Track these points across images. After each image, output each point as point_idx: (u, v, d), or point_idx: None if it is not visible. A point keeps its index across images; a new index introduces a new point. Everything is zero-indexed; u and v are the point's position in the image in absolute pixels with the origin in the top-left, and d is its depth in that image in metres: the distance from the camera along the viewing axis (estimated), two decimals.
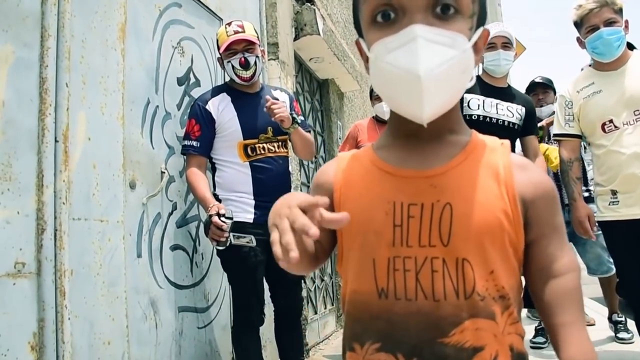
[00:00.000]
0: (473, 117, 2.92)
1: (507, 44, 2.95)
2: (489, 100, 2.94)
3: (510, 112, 2.98)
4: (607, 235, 2.69)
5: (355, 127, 3.93)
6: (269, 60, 4.06)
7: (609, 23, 2.50)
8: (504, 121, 2.95)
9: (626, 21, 2.55)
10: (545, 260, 0.81)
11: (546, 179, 0.86)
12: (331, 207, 0.83)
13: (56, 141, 1.95)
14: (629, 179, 2.48)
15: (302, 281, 2.92)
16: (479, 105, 2.93)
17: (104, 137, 2.23)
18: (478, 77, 3.09)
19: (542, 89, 4.03)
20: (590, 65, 2.75)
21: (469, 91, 2.98)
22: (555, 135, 2.82)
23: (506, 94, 3.03)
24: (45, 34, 1.96)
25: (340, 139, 6.15)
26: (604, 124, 2.56)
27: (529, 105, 3.10)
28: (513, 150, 3.17)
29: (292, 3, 4.67)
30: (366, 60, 0.82)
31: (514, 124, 2.99)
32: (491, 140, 0.86)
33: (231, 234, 2.45)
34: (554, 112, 3.96)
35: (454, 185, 0.78)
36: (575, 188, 2.70)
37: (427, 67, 0.70)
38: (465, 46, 0.75)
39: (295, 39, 4.68)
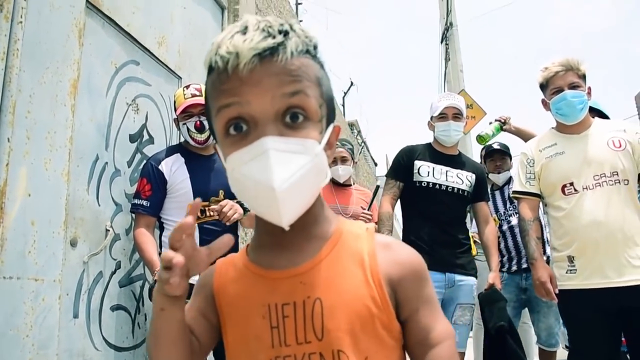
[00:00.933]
0: (423, 184, 2.97)
1: (457, 115, 3.04)
2: (439, 167, 3.01)
3: (460, 179, 3.04)
4: (563, 305, 2.58)
5: None
6: None
7: (573, 86, 2.55)
8: (453, 188, 3.01)
9: (589, 88, 2.60)
10: (420, 333, 0.84)
11: (411, 254, 0.88)
12: (215, 312, 0.89)
13: None
14: (587, 245, 2.42)
15: None
16: (428, 172, 2.99)
17: (45, 193, 2.18)
18: (429, 144, 3.17)
19: (499, 155, 4.07)
20: (553, 128, 2.76)
21: (419, 158, 3.05)
22: (515, 192, 2.78)
23: (456, 161, 3.11)
24: None
25: None
26: (564, 186, 2.54)
27: (479, 172, 3.17)
28: (464, 217, 3.23)
29: None
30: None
31: (464, 190, 3.05)
32: (356, 227, 0.89)
33: None
34: (510, 178, 4.07)
35: (322, 280, 0.81)
36: (537, 247, 2.63)
37: (280, 178, 0.73)
38: (317, 150, 0.78)
39: None
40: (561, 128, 2.67)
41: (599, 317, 2.40)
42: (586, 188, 2.48)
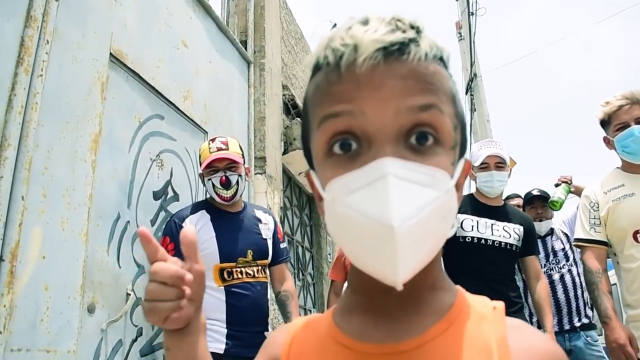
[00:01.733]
0: (467, 239, 2.73)
1: (500, 164, 2.82)
2: (483, 220, 2.77)
3: (507, 233, 2.80)
4: None
5: (340, 251, 3.71)
6: (255, 174, 3.96)
7: None
8: (500, 242, 2.76)
9: None
10: None
11: (549, 342, 0.64)
12: None
13: (1, 260, 1.73)
14: None
15: None
16: (472, 227, 2.75)
17: (61, 255, 2.01)
18: (471, 195, 2.95)
19: (540, 202, 3.81)
20: (618, 167, 2.49)
21: (461, 211, 2.82)
22: (578, 239, 2.50)
23: (501, 212, 2.87)
24: (5, 143, 1.82)
25: (329, 255, 5.94)
26: (636, 232, 2.27)
27: (527, 224, 2.92)
28: (514, 273, 2.96)
29: (281, 117, 4.67)
30: (319, 198, 0.63)
31: (511, 244, 2.79)
32: (480, 303, 0.66)
33: None
34: (552, 229, 3.81)
35: None
36: (609, 304, 2.30)
37: (401, 215, 0.52)
38: (448, 185, 0.57)
39: (284, 153, 4.63)
40: (628, 167, 2.41)
41: None
42: None
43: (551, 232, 3.80)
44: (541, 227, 3.76)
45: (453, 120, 0.60)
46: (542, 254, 3.71)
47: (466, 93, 10.77)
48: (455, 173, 0.60)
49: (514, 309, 2.74)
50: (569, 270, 3.60)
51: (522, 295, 3.33)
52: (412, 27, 0.58)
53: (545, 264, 3.66)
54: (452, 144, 0.60)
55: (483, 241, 2.73)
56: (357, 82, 0.56)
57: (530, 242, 2.90)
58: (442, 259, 0.67)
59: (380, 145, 0.55)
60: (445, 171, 0.57)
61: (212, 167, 2.48)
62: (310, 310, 5.70)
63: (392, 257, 0.53)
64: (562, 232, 3.84)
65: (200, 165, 2.55)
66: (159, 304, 0.61)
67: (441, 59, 0.60)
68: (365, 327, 0.63)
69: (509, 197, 4.23)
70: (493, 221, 2.79)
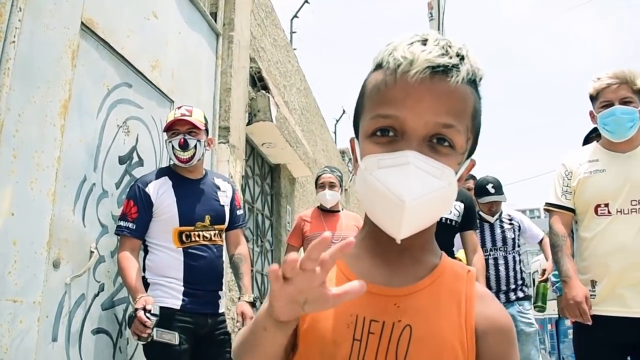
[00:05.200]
0: None
1: None
2: None
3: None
4: (576, 330, 2.49)
5: (300, 218, 3.95)
6: (219, 143, 4.10)
7: (625, 102, 2.38)
8: (441, 218, 3.01)
9: None
10: None
11: (502, 312, 0.85)
12: None
13: None
14: (609, 271, 2.33)
15: None
16: None
17: (29, 212, 2.16)
18: None
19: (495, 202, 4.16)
20: (598, 142, 2.58)
21: None
22: (548, 204, 2.61)
23: None
24: None
25: (289, 223, 6.15)
26: (598, 206, 2.41)
27: (467, 201, 3.18)
28: (452, 246, 3.23)
29: (247, 89, 4.80)
30: (355, 160, 0.84)
31: (452, 220, 3.06)
32: (459, 267, 0.87)
33: (155, 329, 2.35)
34: (501, 213, 4.13)
35: (417, 308, 0.79)
36: (571, 265, 2.44)
37: (413, 194, 0.72)
38: (452, 179, 0.78)
39: (248, 123, 4.77)
40: (607, 144, 2.51)
41: (612, 348, 2.33)
42: (620, 212, 2.36)
43: (500, 218, 4.13)
44: (491, 218, 4.11)
45: (467, 134, 0.80)
46: (488, 237, 4.06)
47: None
48: (460, 170, 0.81)
49: None
50: (513, 257, 4.04)
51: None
52: (458, 54, 0.77)
53: (492, 247, 4.02)
54: (462, 150, 0.80)
55: None
56: (405, 92, 0.75)
57: (470, 218, 3.16)
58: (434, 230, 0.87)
59: (410, 141, 0.75)
60: (452, 169, 0.77)
61: (173, 130, 2.63)
62: (266, 275, 5.93)
63: (399, 222, 0.74)
64: (516, 223, 4.16)
65: (164, 129, 2.70)
66: (309, 289, 0.65)
67: (474, 81, 0.80)
68: (370, 270, 0.83)
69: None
70: None
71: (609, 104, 2.41)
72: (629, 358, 2.43)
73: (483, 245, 4.02)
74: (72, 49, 2.43)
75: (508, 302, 3.91)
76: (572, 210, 2.55)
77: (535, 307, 4.05)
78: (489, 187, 4.10)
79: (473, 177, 4.53)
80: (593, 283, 2.39)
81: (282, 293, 0.65)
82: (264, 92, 4.90)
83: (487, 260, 3.93)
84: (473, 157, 0.87)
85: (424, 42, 0.76)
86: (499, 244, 4.03)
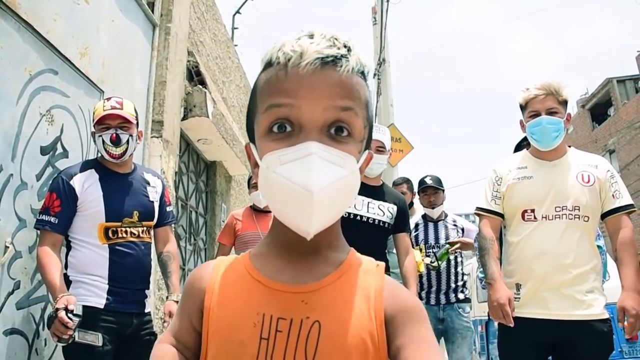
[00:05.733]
0: (344, 215, 2.97)
1: (380, 148, 3.09)
2: (360, 198, 3.03)
3: (382, 211, 3.07)
4: (501, 331, 2.55)
5: (232, 217, 3.89)
6: (151, 137, 3.97)
7: (551, 112, 2.48)
8: (374, 220, 3.03)
9: (569, 114, 2.54)
10: None
11: (411, 296, 0.86)
12: (200, 312, 0.83)
13: None
14: (532, 274, 2.41)
15: None
16: None
17: None
18: None
19: (432, 190, 4.22)
20: (528, 150, 2.68)
21: None
22: (478, 208, 2.69)
23: (378, 192, 3.13)
24: None
25: (223, 221, 6.05)
26: (524, 212, 2.49)
27: (400, 203, 3.21)
28: (384, 248, 3.25)
29: (184, 83, 4.68)
30: (253, 165, 0.83)
31: (384, 222, 3.07)
32: (368, 262, 0.87)
33: (77, 330, 2.23)
34: (443, 213, 4.22)
35: (325, 304, 0.79)
36: (496, 268, 2.50)
37: (320, 183, 0.72)
38: (354, 167, 0.77)
39: (184, 118, 4.65)
40: (535, 152, 2.61)
41: (534, 349, 2.41)
42: (545, 217, 2.44)
43: (444, 217, 4.22)
44: (434, 213, 4.18)
45: (364, 122, 0.80)
46: (432, 235, 4.12)
47: (374, 77, 11.14)
48: (360, 160, 0.81)
49: None
50: (455, 257, 4.08)
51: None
52: (345, 46, 0.78)
53: (435, 245, 4.08)
54: (361, 138, 0.81)
55: (359, 217, 2.99)
56: (298, 81, 0.75)
57: (402, 219, 3.18)
58: (340, 226, 0.87)
59: (308, 132, 0.75)
60: (353, 157, 0.77)
61: (103, 124, 2.51)
62: None
63: (309, 214, 0.73)
64: (460, 225, 4.25)
65: (93, 122, 2.57)
66: None
67: (362, 73, 0.80)
68: (277, 270, 0.82)
69: (395, 184, 4.58)
70: (370, 199, 3.05)
71: (537, 114, 2.51)
72: (550, 358, 2.54)
73: (426, 242, 4.10)
74: None
75: (448, 304, 3.96)
76: (501, 215, 2.62)
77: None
78: (427, 179, 4.23)
79: (407, 181, 4.61)
80: (518, 286, 2.47)
81: None
82: (200, 87, 4.79)
83: (428, 257, 3.99)
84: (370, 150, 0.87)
85: (311, 36, 0.77)
86: (442, 242, 4.08)
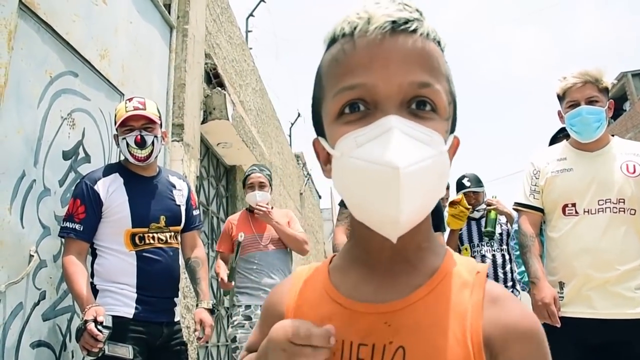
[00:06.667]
0: None
1: None
2: None
3: None
4: (546, 332, 2.47)
5: (228, 222, 3.75)
6: (172, 141, 3.88)
7: (591, 101, 2.35)
8: None
9: (610, 102, 2.41)
10: None
11: (525, 315, 0.69)
12: None
13: None
14: (576, 272, 2.29)
15: None
16: None
17: None
18: None
19: (472, 194, 4.07)
20: (567, 141, 2.55)
21: None
22: (517, 204, 2.58)
23: None
24: None
25: None
26: (565, 206, 2.37)
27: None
28: None
29: (202, 86, 4.59)
30: (324, 162, 0.73)
31: None
32: (466, 267, 0.72)
33: (106, 343, 2.12)
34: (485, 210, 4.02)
35: (411, 325, 0.66)
36: (539, 266, 2.39)
37: (405, 159, 0.60)
38: (443, 148, 0.65)
39: (203, 122, 4.56)
40: (574, 144, 2.48)
41: (580, 350, 2.29)
42: (588, 212, 2.32)
43: (485, 215, 4.02)
44: (475, 214, 4.02)
45: (448, 97, 0.68)
46: (475, 233, 3.97)
47: None
48: (448, 141, 0.68)
49: None
50: (502, 255, 3.88)
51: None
52: (417, 10, 0.67)
53: (479, 243, 3.92)
54: (447, 116, 0.68)
55: None
56: (369, 53, 0.64)
57: (436, 218, 3.05)
58: (431, 224, 0.74)
59: (386, 110, 0.63)
60: (440, 135, 0.65)
61: (127, 126, 2.40)
62: None
63: (396, 196, 0.59)
64: (504, 219, 4.02)
65: (115, 124, 2.47)
66: None
67: (439, 43, 0.69)
68: (357, 285, 0.71)
69: None
70: None
71: (576, 104, 2.38)
72: None
73: (470, 241, 3.95)
74: (8, 29, 2.18)
75: None
76: (541, 210, 2.50)
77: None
78: (465, 180, 4.08)
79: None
80: (561, 285, 2.36)
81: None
82: (219, 89, 4.70)
83: (474, 258, 3.85)
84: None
85: (377, 2, 0.66)
86: (485, 239, 3.89)
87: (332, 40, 0.69)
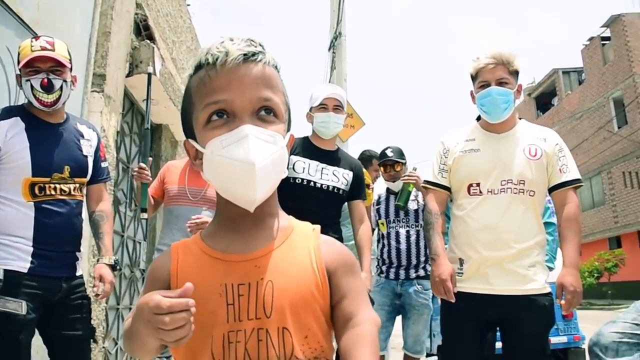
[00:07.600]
0: (297, 181, 2.81)
1: (338, 107, 2.91)
2: (314, 163, 2.86)
3: (336, 177, 2.92)
4: (444, 306, 2.50)
5: (167, 167, 3.47)
6: (92, 92, 3.66)
7: (501, 83, 2.40)
8: (328, 186, 2.87)
9: (519, 85, 2.48)
10: (346, 317, 0.94)
11: (345, 251, 1.04)
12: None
13: None
14: (476, 249, 2.37)
15: (93, 339, 2.46)
16: (303, 169, 2.83)
17: None
18: (306, 138, 3.00)
19: (392, 162, 3.98)
20: (478, 121, 2.60)
21: (295, 153, 2.88)
22: (425, 182, 2.64)
23: (333, 157, 2.97)
24: None
25: None
26: (470, 185, 2.43)
27: (356, 170, 3.05)
28: (339, 216, 3.10)
29: (130, 37, 4.35)
30: (194, 158, 0.97)
31: (338, 189, 2.92)
32: (305, 225, 1.04)
33: None
34: (414, 197, 3.97)
35: (274, 265, 0.94)
36: (440, 243, 2.46)
37: (258, 158, 0.88)
38: (282, 143, 0.95)
39: (129, 74, 4.34)
40: (484, 124, 2.54)
41: (476, 324, 2.38)
42: (491, 192, 2.39)
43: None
44: (394, 186, 3.95)
45: (284, 106, 0.98)
46: (392, 208, 3.91)
47: (329, 50, 10.93)
48: (286, 138, 0.98)
49: None
50: (417, 231, 3.82)
51: None
52: (260, 45, 0.95)
53: (394, 218, 3.89)
54: (284, 119, 0.98)
55: (312, 184, 2.83)
56: (227, 77, 0.91)
57: (358, 186, 3.03)
58: (277, 197, 1.04)
59: (242, 118, 0.91)
60: (281, 135, 0.95)
61: (32, 67, 2.22)
62: (140, 243, 5.53)
63: (253, 185, 0.89)
64: (421, 200, 3.97)
65: (19, 64, 2.27)
66: (181, 330, 0.77)
67: (275, 67, 0.97)
68: (227, 244, 0.97)
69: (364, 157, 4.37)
70: (324, 165, 2.89)
71: (486, 84, 2.43)
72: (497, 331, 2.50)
73: (387, 216, 3.92)
74: None
75: (407, 280, 3.75)
76: (448, 189, 2.56)
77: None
78: (387, 151, 4.03)
79: (376, 157, 4.39)
80: (461, 261, 2.43)
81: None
82: (148, 42, 4.47)
83: (389, 234, 3.86)
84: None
85: (231, 40, 0.93)
86: (401, 215, 3.87)
87: (198, 67, 0.95)
